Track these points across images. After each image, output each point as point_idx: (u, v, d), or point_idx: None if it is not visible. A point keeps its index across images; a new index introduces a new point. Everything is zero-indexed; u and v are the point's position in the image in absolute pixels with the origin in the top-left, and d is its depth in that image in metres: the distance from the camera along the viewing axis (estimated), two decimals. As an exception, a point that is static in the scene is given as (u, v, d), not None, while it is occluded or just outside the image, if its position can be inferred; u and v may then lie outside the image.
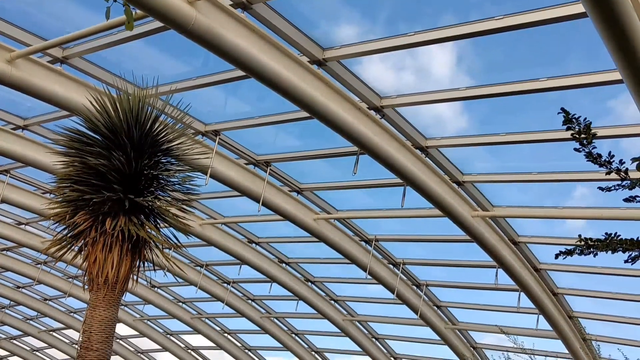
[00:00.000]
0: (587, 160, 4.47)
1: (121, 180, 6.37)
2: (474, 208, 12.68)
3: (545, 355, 13.83)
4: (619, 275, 13.33)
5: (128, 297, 22.40)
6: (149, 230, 6.66)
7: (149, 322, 24.14)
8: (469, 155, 12.57)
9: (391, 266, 16.32)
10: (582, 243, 4.59)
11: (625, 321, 14.24)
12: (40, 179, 15.48)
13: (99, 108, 6.66)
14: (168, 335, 24.50)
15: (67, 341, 27.12)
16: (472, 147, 11.77)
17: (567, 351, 14.79)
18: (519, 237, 13.46)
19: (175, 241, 7.37)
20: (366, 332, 19.84)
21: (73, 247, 6.77)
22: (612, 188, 4.44)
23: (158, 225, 6.93)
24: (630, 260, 4.35)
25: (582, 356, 14.32)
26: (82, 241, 6.57)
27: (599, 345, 13.09)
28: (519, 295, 14.69)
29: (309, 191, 14.60)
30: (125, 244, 6.31)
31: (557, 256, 4.55)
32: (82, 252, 6.71)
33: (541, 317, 14.73)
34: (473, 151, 12.42)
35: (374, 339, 20.03)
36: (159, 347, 24.83)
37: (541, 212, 12.38)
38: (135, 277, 6.83)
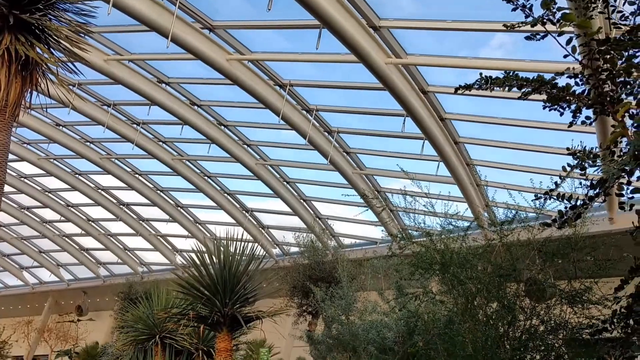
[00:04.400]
0: (496, -4, 4.42)
1: (3, -8, 5.72)
2: (388, 55, 12.69)
3: (438, 198, 14.82)
4: (516, 126, 14.15)
5: (32, 135, 21.55)
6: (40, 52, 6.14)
7: (55, 162, 23.49)
8: (387, -2, 12.29)
9: (304, 112, 16.41)
10: (482, 79, 4.69)
11: (517, 169, 15.38)
12: None
13: None
14: (77, 175, 24.07)
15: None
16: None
17: (462, 195, 15.94)
18: (429, 86, 13.76)
19: (73, 68, 6.89)
20: (278, 176, 20.36)
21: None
22: (516, 25, 4.46)
23: (51, 49, 6.40)
24: (523, 96, 4.52)
25: (475, 200, 15.55)
26: (-36, 61, 5.99)
27: (487, 189, 14.12)
28: (423, 143, 15.39)
29: (222, 29, 13.96)
30: (14, 65, 5.82)
31: (456, 90, 4.65)
32: (-35, 74, 6.15)
33: (442, 164, 15.63)
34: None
35: (285, 183, 20.66)
36: (68, 187, 24.47)
37: (453, 61, 12.58)
38: (28, 102, 6.40)
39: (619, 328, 4.06)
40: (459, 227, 8.03)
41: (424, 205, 7.75)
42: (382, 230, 19.00)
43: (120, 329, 12.72)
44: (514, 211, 7.99)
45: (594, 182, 3.77)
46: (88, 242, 28.74)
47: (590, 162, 4.01)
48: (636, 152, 3.14)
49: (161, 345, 10.89)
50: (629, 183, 3.47)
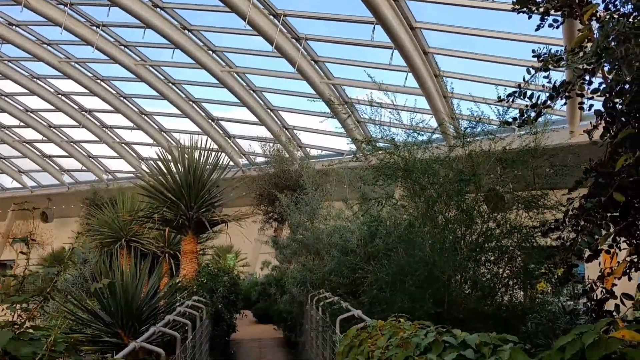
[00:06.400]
0: None
1: None
2: (360, -43, 12.23)
3: (403, 110, 14.85)
4: (484, 37, 13.99)
5: (-18, 36, 20.43)
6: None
7: (10, 64, 22.50)
8: None
9: (272, 17, 15.89)
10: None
11: (485, 81, 15.35)
12: None
13: None
14: (34, 79, 23.18)
15: None
16: None
17: (429, 107, 15.97)
18: (400, -8, 13.41)
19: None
20: (244, 84, 19.98)
21: None
22: None
23: None
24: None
25: (442, 110, 15.61)
26: None
27: (453, 101, 14.18)
28: (392, 52, 15.18)
29: None
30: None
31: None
32: None
33: (410, 74, 15.52)
34: None
35: (251, 91, 20.31)
36: (26, 91, 23.63)
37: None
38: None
39: (570, 227, 4.22)
40: (423, 135, 8.08)
41: (390, 112, 7.75)
42: (348, 139, 19.06)
43: (86, 233, 12.76)
44: (477, 121, 8.05)
45: (556, 84, 3.80)
46: (50, 148, 28.23)
47: (554, 64, 4.02)
48: (598, 50, 3.15)
49: (127, 249, 11.01)
50: (590, 83, 3.50)
